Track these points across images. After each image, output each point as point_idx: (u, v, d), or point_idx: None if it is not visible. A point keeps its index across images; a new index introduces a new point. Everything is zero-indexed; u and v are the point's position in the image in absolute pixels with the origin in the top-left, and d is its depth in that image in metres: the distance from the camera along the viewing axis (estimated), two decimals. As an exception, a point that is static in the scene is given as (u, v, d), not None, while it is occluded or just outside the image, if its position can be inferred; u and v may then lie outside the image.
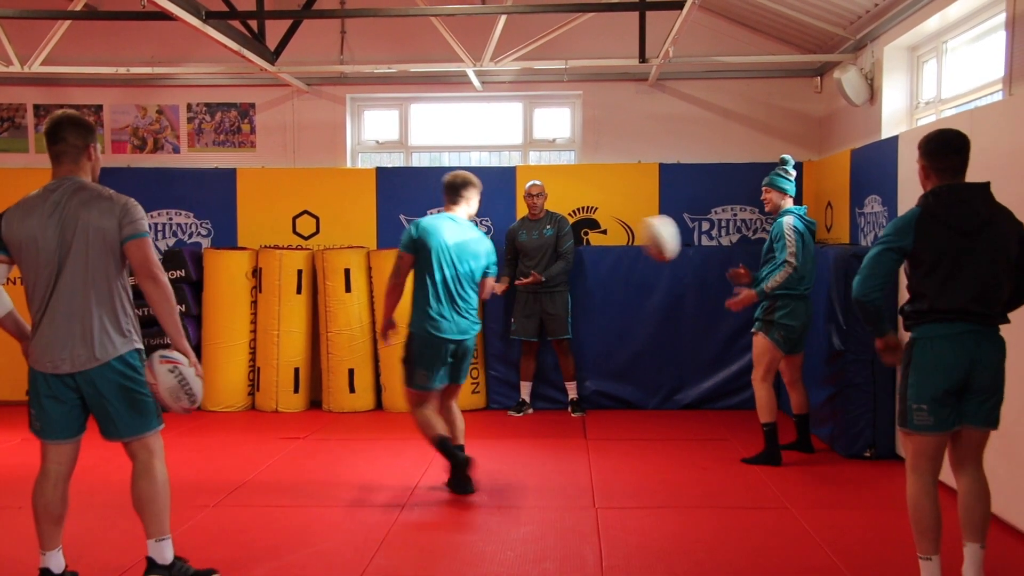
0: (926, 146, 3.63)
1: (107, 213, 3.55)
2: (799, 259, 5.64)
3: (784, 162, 5.99)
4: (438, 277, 5.00)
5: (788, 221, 5.75)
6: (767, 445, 5.86)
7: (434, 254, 5.01)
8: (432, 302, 4.99)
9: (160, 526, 3.69)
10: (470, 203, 5.28)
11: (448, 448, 5.06)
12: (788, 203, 5.91)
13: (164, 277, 3.63)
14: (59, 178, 3.61)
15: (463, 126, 9.07)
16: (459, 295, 5.06)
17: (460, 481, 5.11)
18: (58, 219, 3.51)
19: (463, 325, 5.09)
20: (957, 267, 3.51)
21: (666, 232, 5.81)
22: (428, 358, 5.03)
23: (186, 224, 8.53)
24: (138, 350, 3.66)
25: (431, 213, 8.33)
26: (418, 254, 5.03)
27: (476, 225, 5.43)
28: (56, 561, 3.67)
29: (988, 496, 3.64)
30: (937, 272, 3.53)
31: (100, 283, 3.55)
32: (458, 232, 5.13)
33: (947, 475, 4.98)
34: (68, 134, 3.60)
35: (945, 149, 3.59)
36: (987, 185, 3.61)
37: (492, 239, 8.23)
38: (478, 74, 8.27)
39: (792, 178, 5.95)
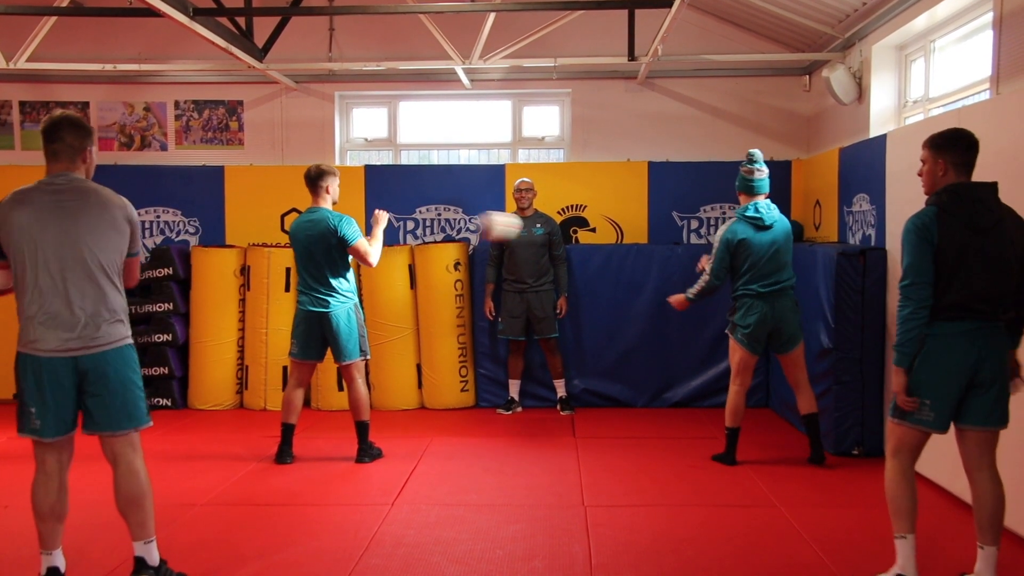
0: (946, 142, 3.66)
1: (118, 223, 3.65)
2: (714, 272, 5.79)
3: (747, 159, 5.89)
4: (299, 266, 6.00)
5: (721, 230, 5.84)
6: (726, 446, 5.92)
7: (295, 249, 5.99)
8: (299, 286, 6.00)
9: (147, 528, 3.68)
10: (330, 191, 5.95)
11: (285, 435, 6.00)
12: (751, 201, 5.82)
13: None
14: (56, 173, 3.64)
15: (452, 124, 9.06)
16: (312, 277, 5.87)
17: (280, 452, 6.01)
18: (61, 212, 3.56)
19: (317, 300, 5.85)
20: (966, 264, 3.55)
21: (498, 220, 7.04)
22: (300, 331, 5.95)
23: (174, 222, 8.49)
24: (131, 345, 3.72)
25: (418, 210, 8.41)
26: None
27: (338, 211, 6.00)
28: (61, 559, 3.67)
29: (1003, 499, 3.65)
30: (946, 269, 3.57)
31: (101, 277, 3.60)
32: (307, 226, 5.87)
33: (938, 473, 4.98)
34: (67, 134, 3.64)
35: (966, 144, 3.64)
36: (996, 185, 3.66)
37: (480, 236, 8.32)
38: (467, 72, 8.26)
39: (755, 176, 5.82)
